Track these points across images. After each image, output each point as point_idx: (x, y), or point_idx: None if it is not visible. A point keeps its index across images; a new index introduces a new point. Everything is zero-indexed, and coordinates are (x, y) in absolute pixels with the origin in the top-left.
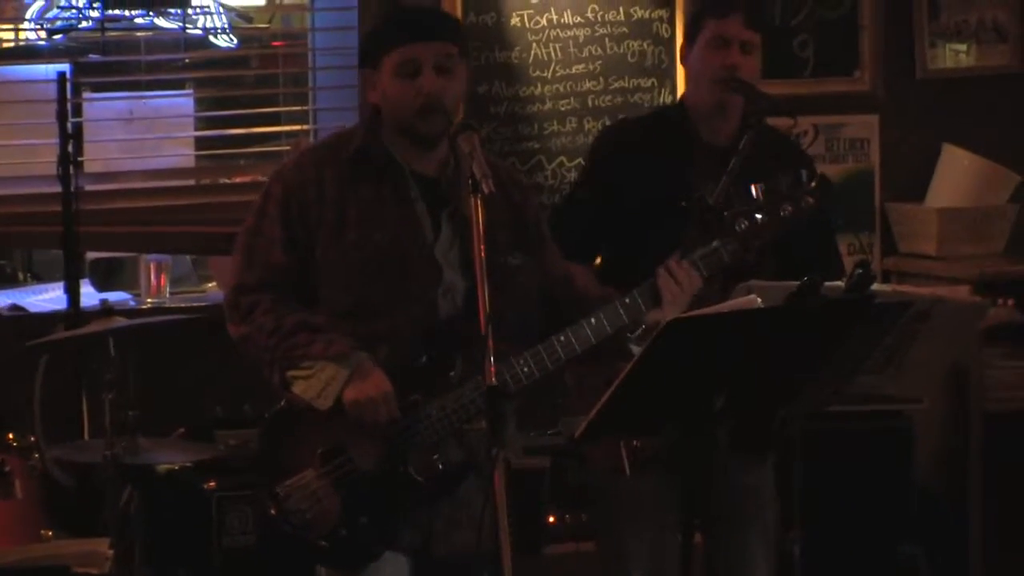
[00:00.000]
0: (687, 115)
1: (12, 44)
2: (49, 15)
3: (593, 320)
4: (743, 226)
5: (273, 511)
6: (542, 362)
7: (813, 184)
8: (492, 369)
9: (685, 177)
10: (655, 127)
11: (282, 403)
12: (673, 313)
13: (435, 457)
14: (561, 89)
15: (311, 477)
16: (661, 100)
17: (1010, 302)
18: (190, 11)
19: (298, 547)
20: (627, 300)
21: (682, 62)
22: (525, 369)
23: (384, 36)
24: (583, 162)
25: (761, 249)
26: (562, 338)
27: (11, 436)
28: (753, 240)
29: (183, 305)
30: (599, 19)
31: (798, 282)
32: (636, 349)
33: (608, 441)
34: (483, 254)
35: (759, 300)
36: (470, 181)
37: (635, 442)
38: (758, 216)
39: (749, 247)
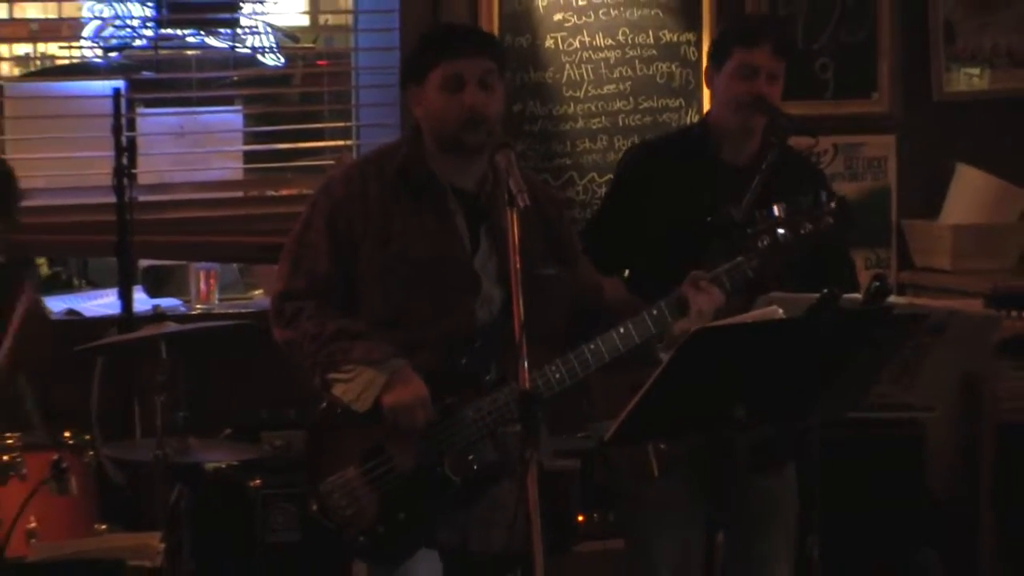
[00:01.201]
0: (710, 134)
1: (70, 61)
2: (105, 34)
3: (622, 330)
4: (765, 243)
5: (315, 507)
6: (573, 369)
7: (833, 204)
8: (526, 375)
9: (707, 194)
10: (679, 146)
11: (324, 404)
12: (698, 324)
13: (470, 458)
14: (593, 108)
15: (351, 475)
16: (688, 119)
17: (1023, 315)
18: (239, 31)
19: (338, 543)
20: (654, 311)
21: (707, 84)
22: (557, 376)
23: (430, 52)
24: (612, 179)
25: (782, 265)
26: (592, 347)
27: (68, 434)
28: (775, 257)
29: (230, 311)
30: (629, 42)
31: (817, 294)
32: (664, 357)
33: (636, 446)
34: (518, 265)
35: (780, 311)
36: (506, 195)
37: (662, 445)
38: (780, 234)
39: (771, 263)
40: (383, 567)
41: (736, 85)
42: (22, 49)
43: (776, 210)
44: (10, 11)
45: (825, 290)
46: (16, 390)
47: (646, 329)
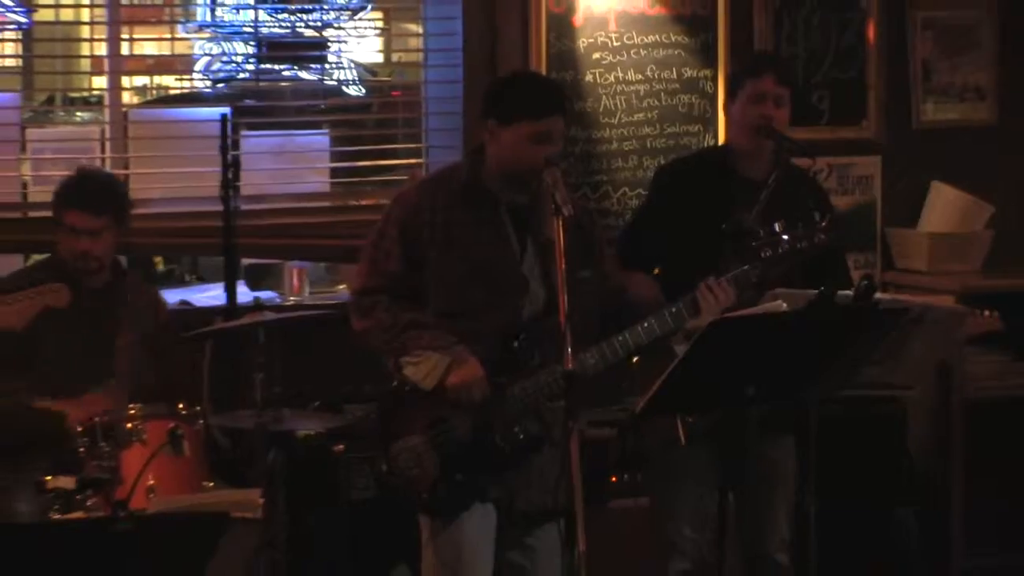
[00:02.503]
0: (728, 155)
1: (182, 91)
2: (214, 68)
3: (646, 324)
4: (767, 254)
5: (385, 468)
6: (604, 356)
7: (825, 223)
8: (570, 358)
9: (725, 204)
10: (702, 164)
11: (395, 383)
12: (709, 321)
13: (516, 429)
14: (625, 133)
15: (416, 442)
16: (705, 143)
17: (995, 314)
18: (327, 65)
19: (406, 499)
20: (673, 310)
21: (725, 113)
22: (591, 361)
23: (519, 105)
24: (644, 192)
25: (780, 272)
26: (620, 337)
27: (181, 406)
28: (775, 266)
29: (319, 302)
30: (656, 77)
31: (815, 291)
32: (678, 349)
33: (665, 419)
34: (563, 266)
35: (784, 305)
36: (553, 206)
37: (689, 419)
38: (780, 248)
39: (771, 271)
40: (443, 519)
41: (748, 110)
42: (140, 80)
43: (778, 227)
44: (131, 48)
45: (822, 288)
46: (140, 368)
47: (666, 324)
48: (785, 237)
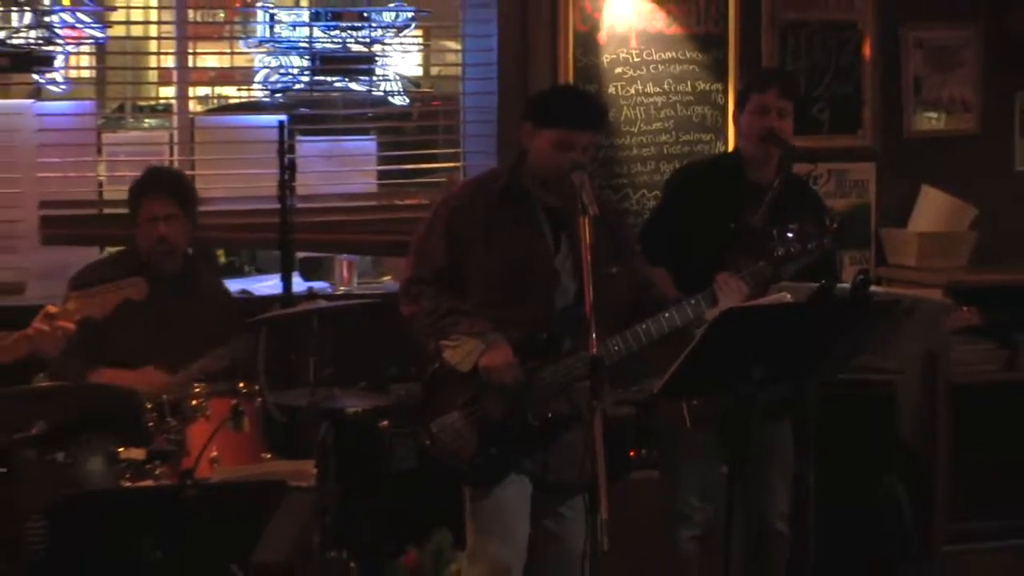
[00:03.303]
0: (738, 161)
1: (244, 100)
2: (272, 79)
3: (667, 315)
4: (779, 253)
5: (427, 442)
6: (629, 343)
7: (834, 227)
8: (595, 344)
9: (734, 206)
10: (713, 169)
11: (436, 365)
12: (730, 300)
13: (546, 408)
14: (644, 140)
15: (455, 418)
16: (716, 149)
17: (973, 310)
18: (374, 78)
19: (446, 470)
20: (692, 302)
21: (734, 123)
22: (616, 348)
23: (554, 113)
24: (660, 194)
25: (792, 271)
26: (644, 326)
27: (242, 385)
28: (787, 264)
29: (366, 292)
30: (672, 90)
31: (816, 284)
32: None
33: (672, 403)
34: (590, 260)
35: (789, 297)
36: (580, 206)
37: (694, 402)
38: (792, 248)
39: (783, 269)
40: (480, 488)
41: (755, 121)
42: (202, 91)
43: (791, 229)
44: (194, 61)
45: (823, 281)
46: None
47: (686, 315)
48: (798, 239)
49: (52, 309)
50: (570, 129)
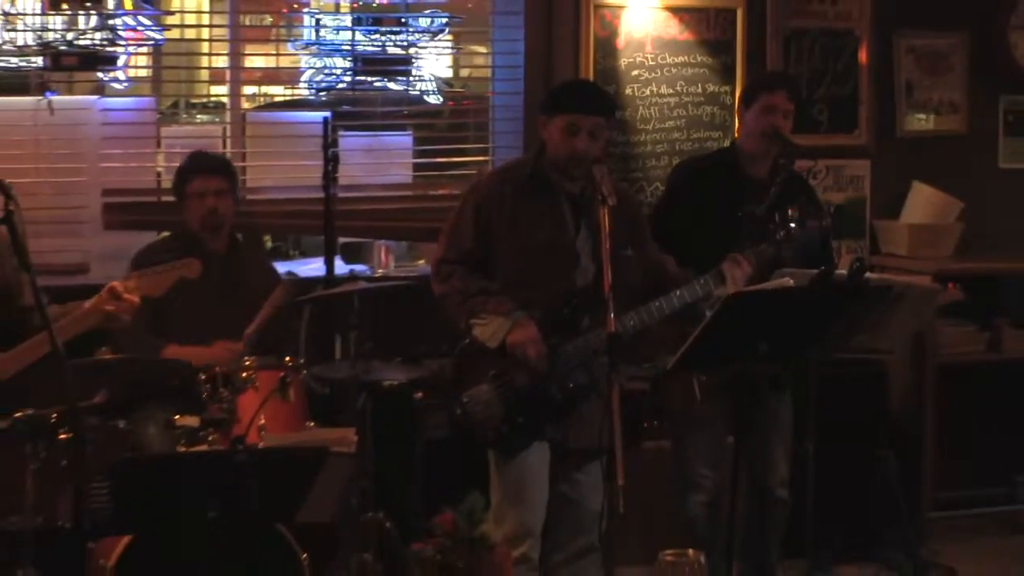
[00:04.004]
0: (736, 156)
1: (291, 97)
2: (317, 79)
3: (678, 292)
4: (781, 235)
5: (458, 412)
6: (643, 318)
7: (832, 210)
8: (612, 321)
9: (733, 197)
10: (713, 163)
11: (467, 341)
12: (733, 290)
13: (568, 380)
14: (657, 138)
15: (484, 390)
16: (724, 146)
17: (958, 286)
18: (411, 78)
19: (476, 437)
20: (702, 281)
21: (738, 118)
22: (632, 323)
23: (561, 101)
24: (666, 185)
25: (792, 252)
26: (657, 303)
27: (288, 359)
28: (788, 244)
29: (402, 275)
30: (684, 91)
31: (816, 270)
32: (709, 313)
33: (683, 378)
34: (608, 246)
35: (791, 281)
36: (600, 197)
37: (703, 378)
38: (792, 229)
39: (784, 250)
40: (507, 454)
41: (761, 119)
42: (250, 89)
43: (790, 213)
44: (242, 61)
45: (823, 268)
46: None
47: (695, 293)
48: (796, 222)
49: (116, 286)
50: (575, 113)
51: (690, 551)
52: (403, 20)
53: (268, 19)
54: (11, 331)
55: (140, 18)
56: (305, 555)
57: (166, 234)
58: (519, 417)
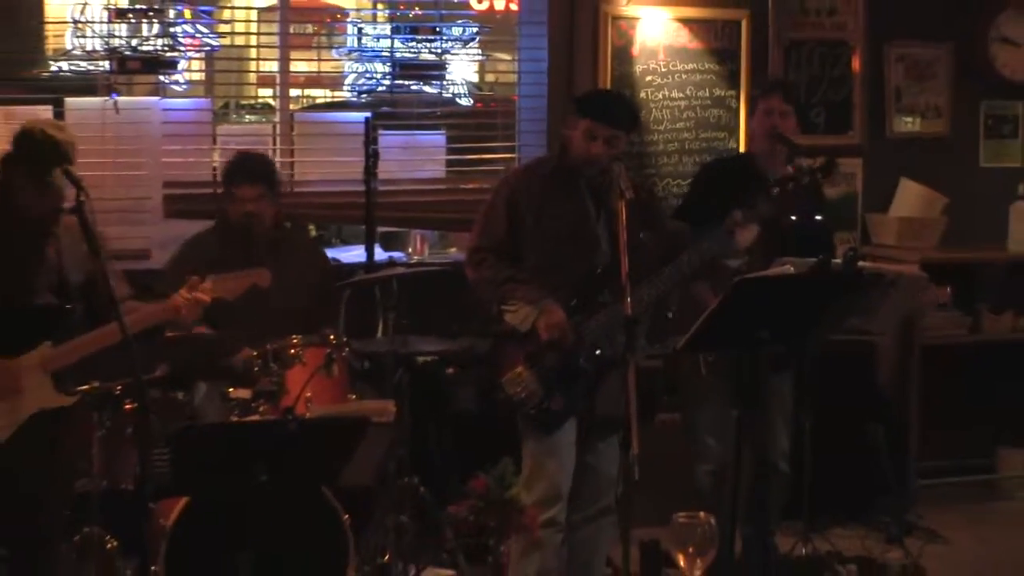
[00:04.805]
0: (752, 159)
1: (334, 99)
2: (359, 83)
3: (687, 257)
4: (776, 192)
5: (501, 395)
6: (657, 286)
7: (816, 165)
8: (629, 306)
9: (750, 191)
10: (735, 163)
11: (501, 327)
12: (743, 238)
13: (597, 352)
14: (669, 137)
15: (521, 371)
16: (729, 145)
17: (947, 290)
18: (444, 82)
19: (517, 418)
20: (705, 244)
21: (747, 124)
22: (648, 292)
23: (587, 107)
24: (683, 181)
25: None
26: (667, 271)
27: (332, 336)
28: (785, 202)
29: (436, 261)
30: (693, 95)
31: (815, 259)
32: (732, 263)
33: (692, 357)
34: (626, 234)
35: (792, 269)
36: (619, 191)
37: (709, 357)
38: (783, 186)
39: (784, 207)
40: (545, 431)
41: (763, 121)
42: (294, 92)
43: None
44: (287, 66)
45: (821, 257)
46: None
47: (701, 253)
48: (792, 178)
49: (195, 284)
50: (595, 122)
51: (701, 513)
52: (437, 29)
53: (310, 28)
54: (98, 316)
55: (198, 26)
56: (347, 516)
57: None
58: (555, 393)
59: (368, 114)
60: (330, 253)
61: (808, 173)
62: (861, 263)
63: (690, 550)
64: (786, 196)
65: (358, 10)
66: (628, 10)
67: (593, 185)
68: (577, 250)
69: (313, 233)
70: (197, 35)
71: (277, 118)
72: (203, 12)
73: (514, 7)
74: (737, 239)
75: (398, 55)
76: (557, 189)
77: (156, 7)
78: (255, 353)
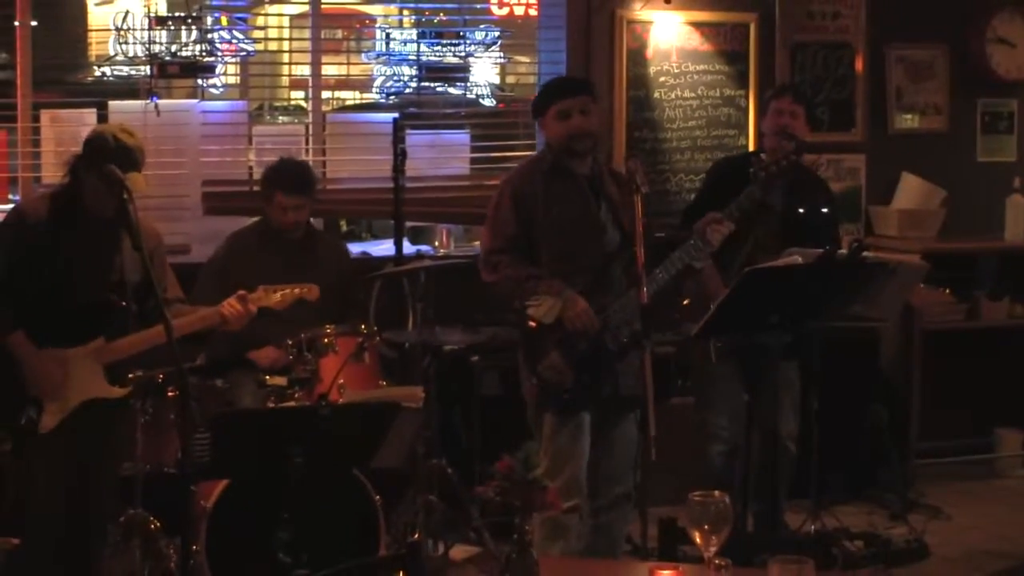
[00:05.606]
0: (758, 156)
1: (364, 100)
2: (387, 85)
3: (676, 255)
4: (762, 175)
5: (535, 381)
6: (667, 268)
7: (793, 144)
8: (644, 294)
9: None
10: (739, 161)
11: (527, 321)
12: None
13: (619, 333)
14: (681, 135)
15: (553, 358)
16: (738, 142)
17: (947, 291)
18: (468, 84)
19: (549, 402)
20: (692, 242)
21: (759, 123)
22: (661, 274)
23: (547, 96)
24: (695, 176)
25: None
26: (659, 270)
27: (363, 326)
28: (771, 183)
29: (460, 254)
30: (705, 95)
31: (821, 250)
32: (697, 264)
33: (703, 343)
34: (640, 225)
35: (799, 259)
36: (634, 185)
37: (718, 344)
38: (772, 169)
39: (769, 187)
40: (569, 414)
41: (774, 121)
42: (324, 94)
43: (763, 157)
44: (319, 70)
45: (827, 247)
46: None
47: (689, 253)
48: (768, 164)
49: (243, 295)
50: (561, 100)
51: (716, 492)
52: (461, 33)
53: (340, 33)
54: (150, 317)
55: (234, 32)
56: (378, 496)
57: (255, 219)
58: (585, 375)
59: (396, 115)
60: (361, 247)
61: (785, 156)
62: (866, 253)
63: (706, 527)
64: (769, 177)
65: (386, 16)
66: (642, 14)
67: (586, 175)
68: (588, 236)
69: (344, 227)
70: (233, 41)
71: (309, 119)
72: (239, 19)
73: (533, 12)
74: (709, 238)
75: (424, 59)
76: (557, 183)
77: (194, 14)
78: (291, 343)
